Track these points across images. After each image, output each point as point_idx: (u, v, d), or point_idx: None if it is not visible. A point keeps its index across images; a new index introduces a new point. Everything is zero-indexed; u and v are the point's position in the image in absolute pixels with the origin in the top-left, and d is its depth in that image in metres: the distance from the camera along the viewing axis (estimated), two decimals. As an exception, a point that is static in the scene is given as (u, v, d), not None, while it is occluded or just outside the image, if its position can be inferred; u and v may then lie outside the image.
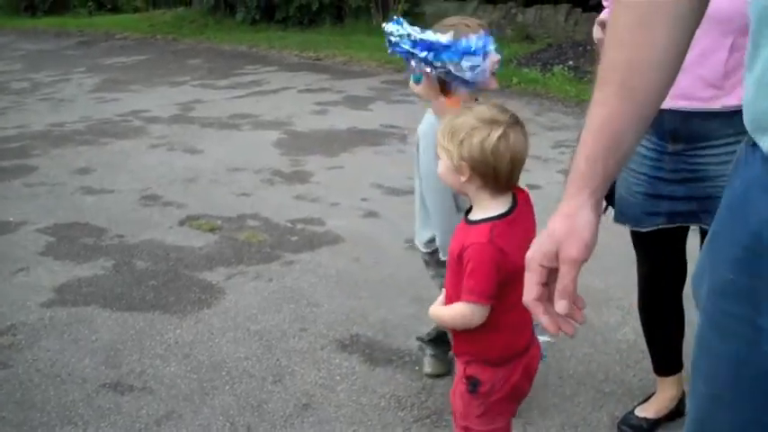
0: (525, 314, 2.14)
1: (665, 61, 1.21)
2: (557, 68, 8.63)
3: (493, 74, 2.57)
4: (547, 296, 1.29)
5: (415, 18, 12.12)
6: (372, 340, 3.44)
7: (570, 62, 9.12)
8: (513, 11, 11.37)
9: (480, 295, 2.00)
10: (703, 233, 2.50)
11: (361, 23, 12.54)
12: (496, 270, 1.98)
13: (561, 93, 7.92)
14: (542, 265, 1.27)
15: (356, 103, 8.12)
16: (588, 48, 9.64)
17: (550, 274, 1.28)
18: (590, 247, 1.26)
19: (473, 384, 2.12)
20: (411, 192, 5.22)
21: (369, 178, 5.61)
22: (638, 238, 2.65)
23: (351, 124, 7.20)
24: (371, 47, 10.79)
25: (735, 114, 2.30)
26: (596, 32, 2.58)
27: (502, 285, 2.01)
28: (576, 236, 1.25)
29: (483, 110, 2.05)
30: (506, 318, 2.06)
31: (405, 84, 9.69)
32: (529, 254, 1.29)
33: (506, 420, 2.25)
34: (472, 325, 2.04)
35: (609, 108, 1.22)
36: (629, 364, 3.19)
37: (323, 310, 3.71)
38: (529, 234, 2.11)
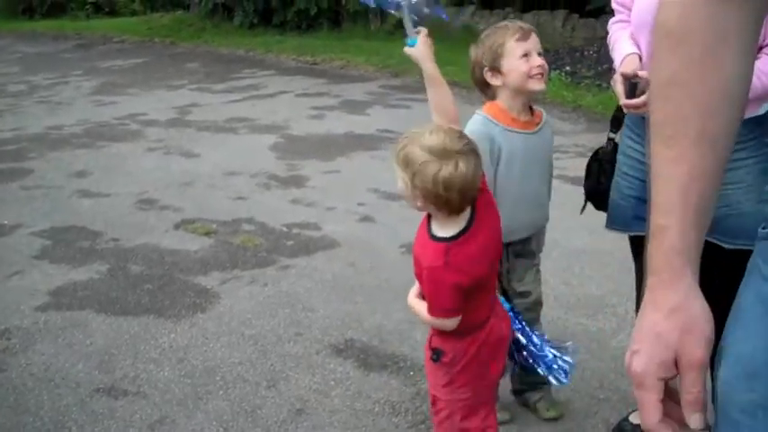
0: (486, 301, 2.22)
1: (738, 97, 1.04)
2: (553, 74, 8.62)
3: (531, 77, 2.55)
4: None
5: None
6: (367, 345, 3.43)
7: (567, 68, 9.14)
8: (511, 16, 11.39)
9: (447, 312, 2.14)
10: None
11: (359, 28, 12.54)
12: (457, 288, 2.10)
13: (558, 98, 7.93)
14: (661, 379, 1.06)
15: (353, 107, 8.12)
16: (585, 53, 9.66)
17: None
18: (712, 340, 1.04)
19: (437, 354, 2.24)
20: (407, 197, 5.25)
21: (365, 183, 5.61)
22: (633, 244, 2.65)
23: (347, 129, 7.20)
24: (369, 51, 10.80)
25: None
26: (617, 85, 2.42)
27: (468, 294, 2.13)
28: (696, 333, 1.03)
29: (434, 139, 2.06)
30: (469, 305, 2.17)
31: (402, 88, 9.70)
32: (638, 369, 1.08)
33: (471, 392, 2.29)
34: (446, 330, 2.20)
35: (689, 165, 1.03)
36: (624, 371, 3.18)
37: (318, 314, 3.71)
38: (491, 240, 2.20)
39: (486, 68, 2.59)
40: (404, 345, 3.40)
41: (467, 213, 2.13)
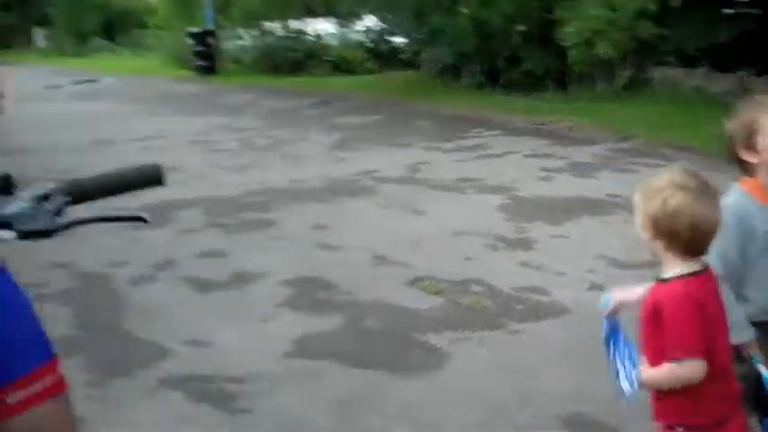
0: (730, 385, 2.11)
1: None
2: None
3: None
4: None
5: (642, 84, 11.88)
6: (596, 420, 3.39)
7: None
8: (745, 80, 10.87)
9: (690, 351, 1.98)
10: None
11: (585, 90, 12.47)
12: (701, 323, 1.98)
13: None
14: None
15: (581, 170, 8.08)
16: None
17: None
18: None
19: None
20: (637, 266, 5.14)
21: (594, 249, 5.55)
22: None
23: (575, 192, 7.17)
24: (595, 113, 10.71)
25: None
26: None
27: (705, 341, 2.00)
28: None
29: (677, 174, 2.07)
30: (710, 385, 2.02)
31: (630, 152, 9.51)
32: None
33: None
34: (693, 382, 2.00)
35: None
36: None
37: (547, 383, 3.71)
38: (719, 305, 2.10)
39: (740, 145, 2.54)
40: (638, 421, 3.32)
41: (699, 263, 2.06)
